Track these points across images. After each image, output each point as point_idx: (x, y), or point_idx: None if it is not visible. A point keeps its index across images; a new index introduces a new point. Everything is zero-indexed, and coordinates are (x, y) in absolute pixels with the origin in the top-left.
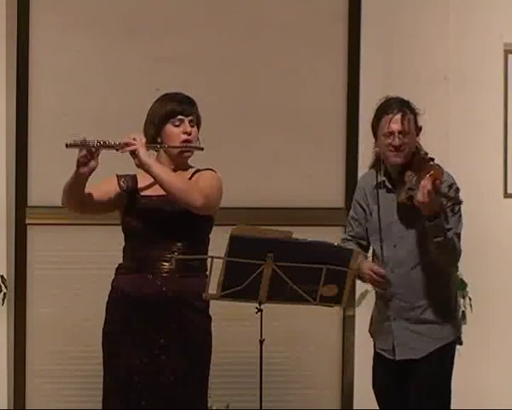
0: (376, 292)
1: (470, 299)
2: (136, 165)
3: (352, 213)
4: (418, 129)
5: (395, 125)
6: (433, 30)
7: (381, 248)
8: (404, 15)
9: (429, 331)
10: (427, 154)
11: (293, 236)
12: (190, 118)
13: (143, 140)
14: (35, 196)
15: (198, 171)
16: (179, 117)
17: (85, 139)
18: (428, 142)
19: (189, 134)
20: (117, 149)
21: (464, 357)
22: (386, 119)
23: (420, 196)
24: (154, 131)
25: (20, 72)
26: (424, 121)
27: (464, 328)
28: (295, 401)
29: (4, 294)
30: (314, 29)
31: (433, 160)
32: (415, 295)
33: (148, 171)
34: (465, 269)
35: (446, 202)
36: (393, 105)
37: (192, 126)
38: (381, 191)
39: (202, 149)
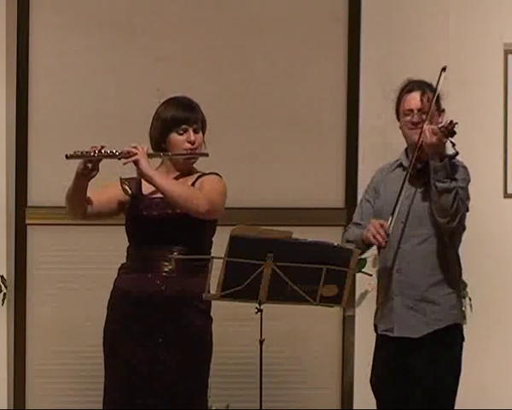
0: (379, 269)
1: (470, 299)
2: (138, 174)
3: (364, 195)
4: (440, 111)
5: (414, 102)
6: (433, 30)
7: (390, 223)
8: (404, 15)
9: (430, 311)
10: None
11: (293, 236)
12: (194, 126)
13: (145, 149)
14: (35, 196)
15: (202, 175)
16: (183, 126)
17: (85, 150)
18: None
19: (193, 143)
20: (118, 158)
21: (464, 357)
22: (405, 97)
23: (426, 137)
24: (159, 137)
25: (20, 72)
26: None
27: (464, 328)
28: (295, 401)
29: (4, 294)
30: (314, 29)
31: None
32: (419, 271)
33: (149, 182)
34: (465, 269)
35: (444, 132)
36: (413, 84)
37: (197, 133)
38: (397, 171)
39: (207, 155)
